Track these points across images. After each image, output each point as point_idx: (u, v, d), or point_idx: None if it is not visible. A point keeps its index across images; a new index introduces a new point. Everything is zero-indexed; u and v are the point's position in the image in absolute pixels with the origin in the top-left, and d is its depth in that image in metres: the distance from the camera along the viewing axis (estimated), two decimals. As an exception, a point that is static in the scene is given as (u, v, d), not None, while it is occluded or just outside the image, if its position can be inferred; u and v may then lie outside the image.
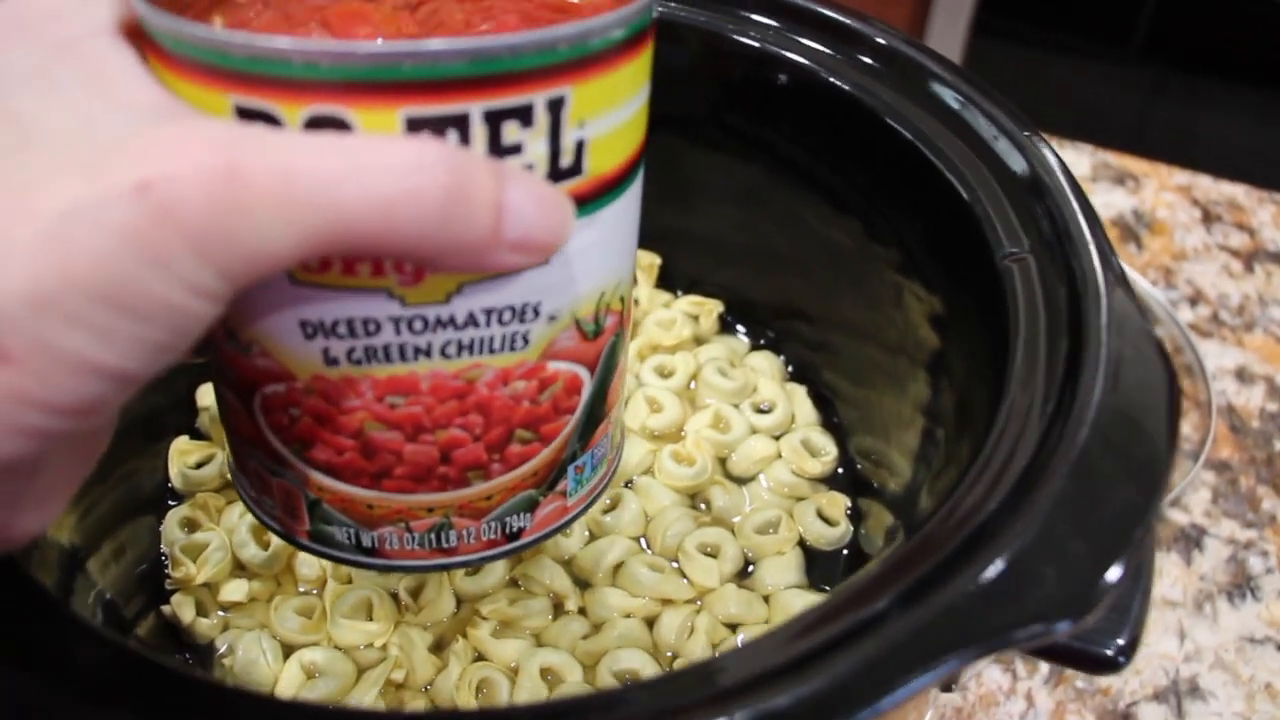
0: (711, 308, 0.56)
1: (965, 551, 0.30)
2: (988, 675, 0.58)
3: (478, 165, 0.23)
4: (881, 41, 0.44)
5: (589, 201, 0.27)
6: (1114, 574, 0.30)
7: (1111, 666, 0.32)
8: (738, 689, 0.27)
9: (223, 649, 0.45)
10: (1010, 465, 0.32)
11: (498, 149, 0.24)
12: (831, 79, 0.44)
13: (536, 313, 0.28)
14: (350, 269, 0.26)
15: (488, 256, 0.23)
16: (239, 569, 0.47)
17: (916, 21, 1.46)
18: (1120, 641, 0.32)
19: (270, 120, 0.23)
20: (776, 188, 0.49)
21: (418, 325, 0.27)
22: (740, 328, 0.58)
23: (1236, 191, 0.86)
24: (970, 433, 0.39)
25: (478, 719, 0.28)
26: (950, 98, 0.42)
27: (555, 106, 0.24)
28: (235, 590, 0.46)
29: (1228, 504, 0.66)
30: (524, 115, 0.24)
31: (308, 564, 0.46)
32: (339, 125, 0.23)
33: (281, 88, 0.22)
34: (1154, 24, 1.40)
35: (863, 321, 0.48)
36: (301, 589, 0.47)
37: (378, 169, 0.21)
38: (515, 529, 0.33)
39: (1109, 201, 0.84)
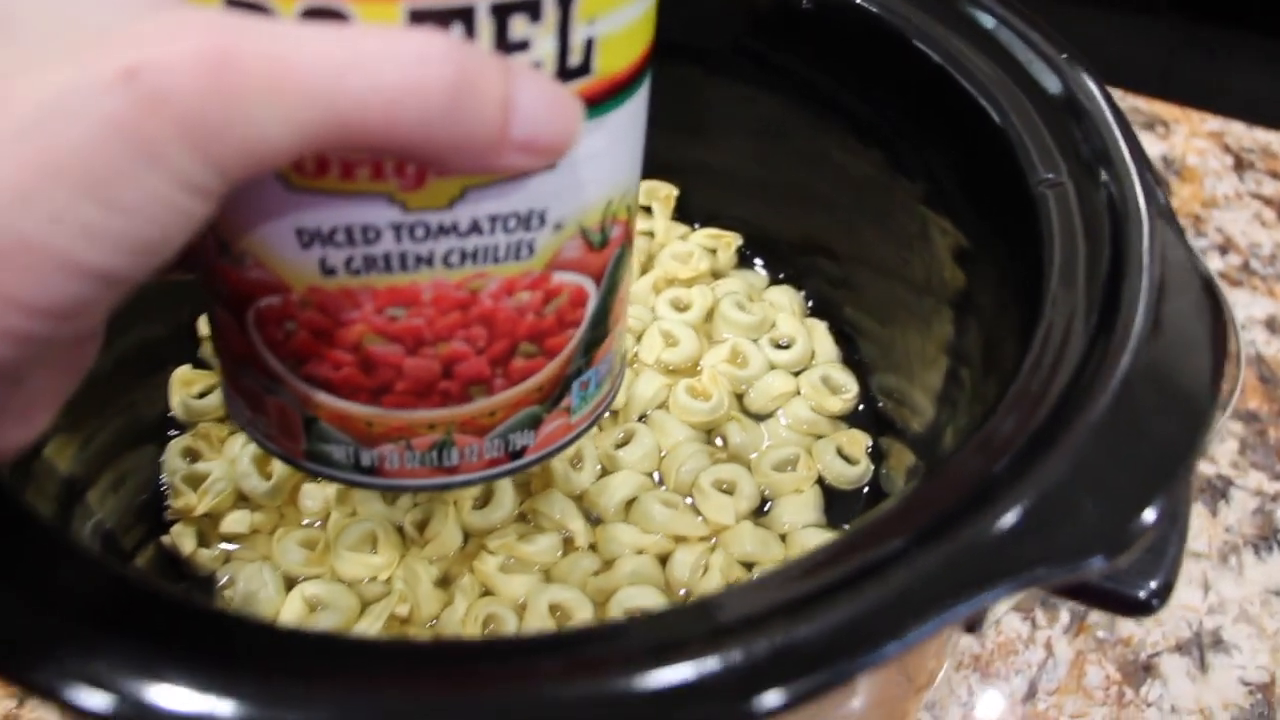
0: (730, 241, 0.54)
1: (996, 483, 0.28)
2: (1006, 623, 0.57)
3: (485, 60, 0.21)
4: (909, -41, 0.42)
5: (598, 104, 0.25)
6: (1152, 512, 0.28)
7: (1144, 609, 0.30)
8: (741, 624, 0.25)
9: (224, 581, 0.44)
10: (1048, 392, 0.31)
11: (504, 45, 0.23)
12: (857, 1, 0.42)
13: (542, 220, 0.26)
14: (349, 172, 0.24)
15: (494, 157, 0.22)
16: (241, 500, 0.46)
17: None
18: (1154, 584, 0.30)
19: (263, 11, 0.21)
20: (798, 118, 0.47)
21: (419, 232, 0.25)
22: (760, 262, 0.56)
23: (1271, 139, 0.83)
24: (997, 373, 0.37)
25: (469, 650, 0.27)
26: (983, 18, 0.40)
27: (565, 1, 0.23)
28: (237, 521, 0.45)
29: (1255, 455, 0.64)
30: (532, 9, 0.23)
31: (311, 495, 0.45)
32: (336, 17, 0.21)
33: None
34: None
35: (887, 257, 0.47)
36: (305, 521, 0.45)
37: (381, 59, 0.20)
38: (519, 447, 0.32)
39: (1138, 147, 0.82)
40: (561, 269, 0.28)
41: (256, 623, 0.28)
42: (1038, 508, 0.28)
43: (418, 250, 0.26)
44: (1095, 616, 0.58)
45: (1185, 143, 0.82)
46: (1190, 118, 0.84)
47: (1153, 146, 0.82)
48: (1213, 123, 0.84)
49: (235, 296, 0.27)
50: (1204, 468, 0.63)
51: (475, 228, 0.26)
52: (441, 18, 0.22)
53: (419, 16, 0.22)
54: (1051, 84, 0.39)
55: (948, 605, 0.26)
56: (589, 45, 0.24)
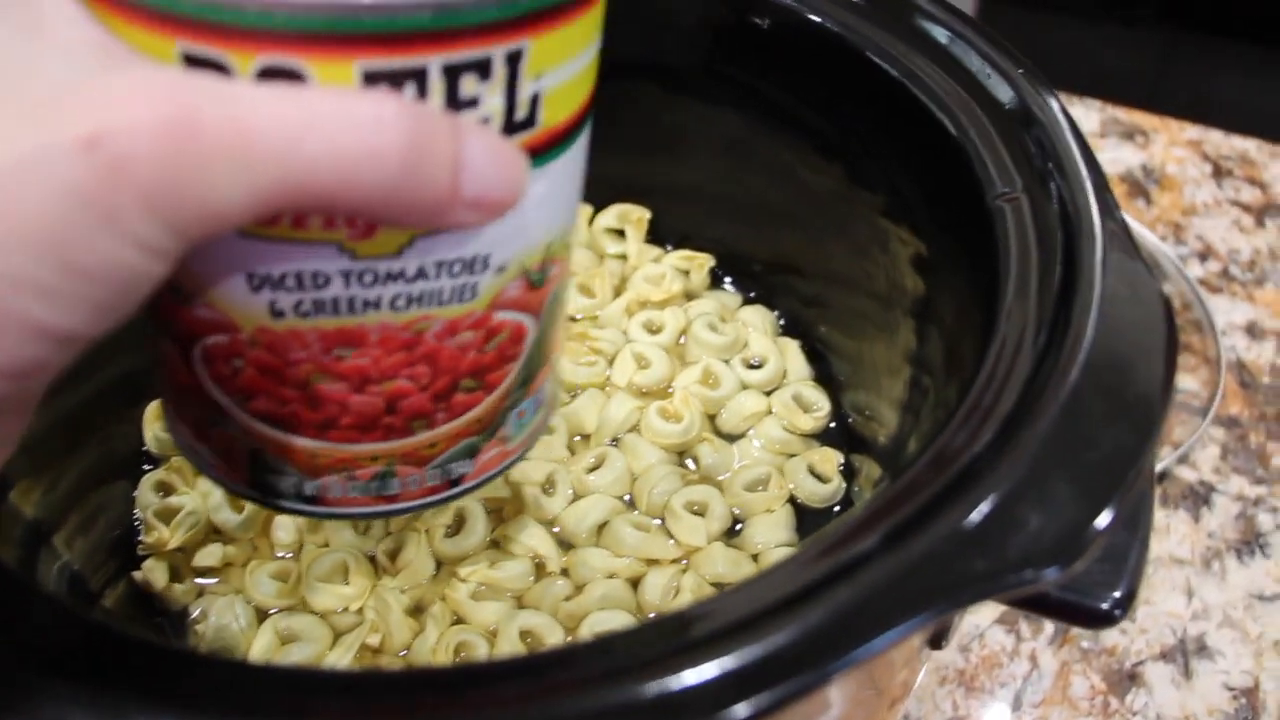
0: (702, 262, 0.54)
1: (946, 497, 0.28)
2: (990, 636, 0.57)
3: (437, 122, 0.22)
4: (865, -25, 0.43)
5: (541, 154, 0.26)
6: (1104, 519, 0.28)
7: (1106, 620, 0.30)
8: (705, 641, 0.25)
9: (196, 615, 0.44)
10: (998, 405, 0.31)
11: (455, 103, 0.24)
12: (812, 16, 0.42)
13: (486, 264, 0.27)
14: (300, 222, 0.24)
15: (444, 215, 0.23)
16: (214, 533, 0.46)
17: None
18: (1116, 594, 0.30)
19: (220, 69, 0.22)
20: (762, 136, 0.48)
21: (368, 278, 0.26)
22: (732, 282, 0.56)
23: (1249, 146, 0.83)
24: (958, 379, 0.37)
25: (435, 677, 0.27)
26: (939, 33, 0.41)
27: (513, 59, 0.24)
28: (209, 555, 0.44)
29: (1237, 460, 0.64)
30: (482, 68, 0.23)
31: (283, 527, 0.45)
32: (292, 77, 0.22)
33: (234, 35, 0.21)
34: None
35: (852, 271, 0.47)
36: (278, 553, 0.45)
37: (336, 124, 0.20)
38: (457, 475, 0.32)
39: (1117, 157, 0.82)
40: (503, 308, 0.29)
41: (224, 661, 0.28)
42: (986, 521, 0.28)
43: (366, 295, 0.26)
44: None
45: (1164, 151, 0.83)
46: (1169, 126, 0.85)
47: (1132, 156, 0.82)
48: (1191, 131, 0.84)
49: (182, 333, 0.27)
50: (1185, 474, 0.63)
51: (422, 274, 0.26)
52: (395, 78, 0.22)
53: (373, 77, 0.22)
54: (1007, 97, 0.40)
55: (894, 623, 0.26)
56: (534, 100, 0.25)
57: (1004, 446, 0.29)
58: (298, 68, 0.22)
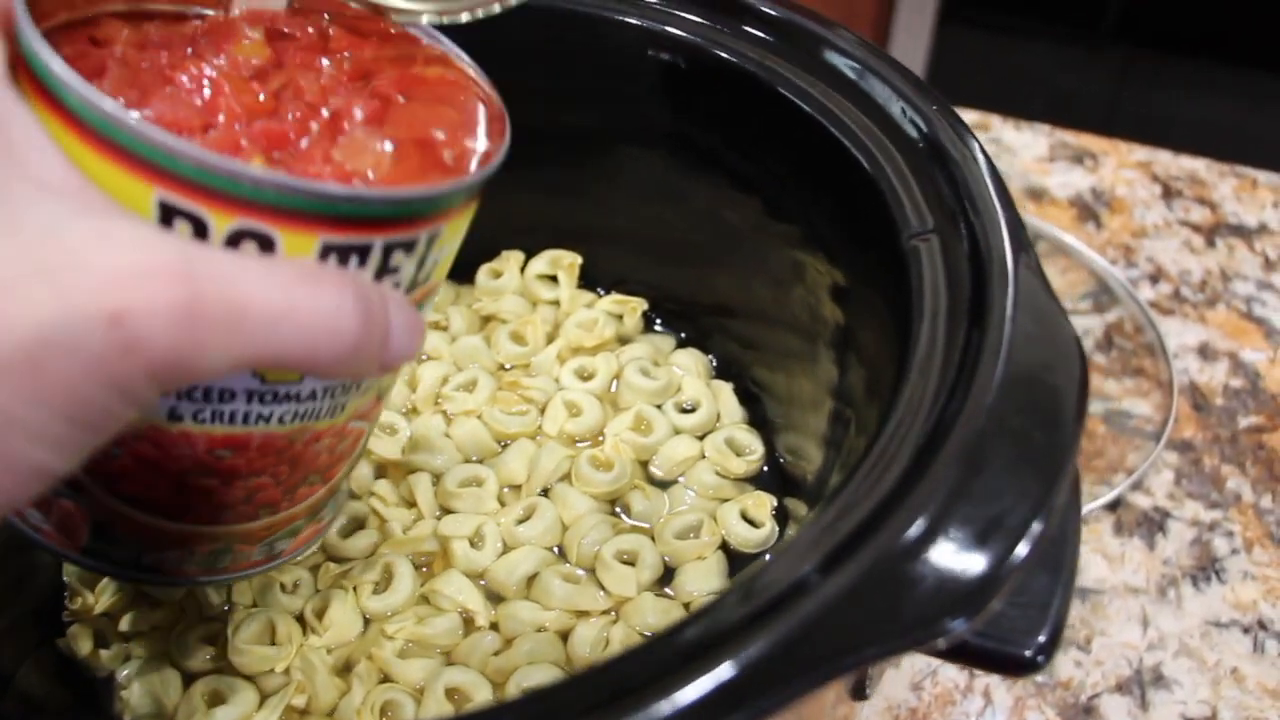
0: (635, 306, 0.54)
1: (842, 554, 0.28)
2: (943, 673, 0.56)
3: (377, 303, 0.26)
4: (770, 11, 0.42)
5: (421, 302, 0.31)
6: (1008, 566, 0.28)
7: (1030, 667, 0.30)
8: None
9: (122, 679, 0.43)
10: (900, 452, 0.30)
11: (384, 271, 0.28)
12: (719, 53, 0.42)
13: (358, 388, 0.31)
14: None
15: (367, 370, 0.26)
16: (140, 596, 0.45)
17: (883, 9, 1.44)
18: (1040, 639, 0.30)
19: (196, 224, 0.24)
20: (686, 177, 0.48)
21: (268, 398, 0.29)
22: (666, 324, 0.56)
23: (1198, 165, 0.83)
24: (876, 410, 0.37)
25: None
26: (845, 66, 0.40)
27: (432, 238, 0.28)
28: (136, 620, 0.44)
29: (1191, 485, 0.64)
30: (410, 245, 0.28)
31: (213, 590, 0.44)
32: (262, 241, 0.25)
33: (219, 198, 0.24)
34: (1124, 6, 1.38)
35: (777, 307, 0.46)
36: (206, 615, 0.45)
37: (309, 311, 0.24)
38: (278, 551, 0.37)
39: (1066, 181, 0.82)
40: (356, 419, 0.33)
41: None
42: (886, 575, 0.27)
43: (262, 411, 0.29)
44: (1034, 661, 0.57)
45: (1114, 174, 0.83)
46: (1118, 148, 0.85)
47: (1082, 179, 0.82)
48: (1140, 153, 0.84)
49: None
50: (1140, 501, 0.63)
51: (313, 395, 0.30)
52: (345, 251, 0.26)
53: (329, 249, 0.26)
54: (919, 132, 0.39)
55: (782, 692, 0.25)
56: (434, 264, 0.30)
57: (905, 496, 0.29)
58: (269, 235, 0.25)
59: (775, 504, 0.47)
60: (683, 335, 0.55)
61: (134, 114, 0.24)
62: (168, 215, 0.24)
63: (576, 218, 0.53)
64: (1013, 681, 0.56)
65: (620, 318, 0.54)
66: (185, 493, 0.30)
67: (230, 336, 0.22)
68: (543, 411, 0.50)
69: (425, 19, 0.33)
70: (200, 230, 0.24)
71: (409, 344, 0.27)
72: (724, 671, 0.25)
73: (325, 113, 0.29)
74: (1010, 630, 0.30)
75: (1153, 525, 0.62)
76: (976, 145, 0.39)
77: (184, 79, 0.28)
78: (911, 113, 0.40)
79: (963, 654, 0.29)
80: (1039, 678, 0.56)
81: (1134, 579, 0.60)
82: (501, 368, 0.53)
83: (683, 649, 0.26)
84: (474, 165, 0.29)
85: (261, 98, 0.29)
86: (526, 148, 0.32)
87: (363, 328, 0.25)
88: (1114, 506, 0.62)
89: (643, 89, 0.47)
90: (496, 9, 0.33)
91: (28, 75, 0.25)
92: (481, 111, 0.31)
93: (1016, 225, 0.37)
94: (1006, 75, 1.27)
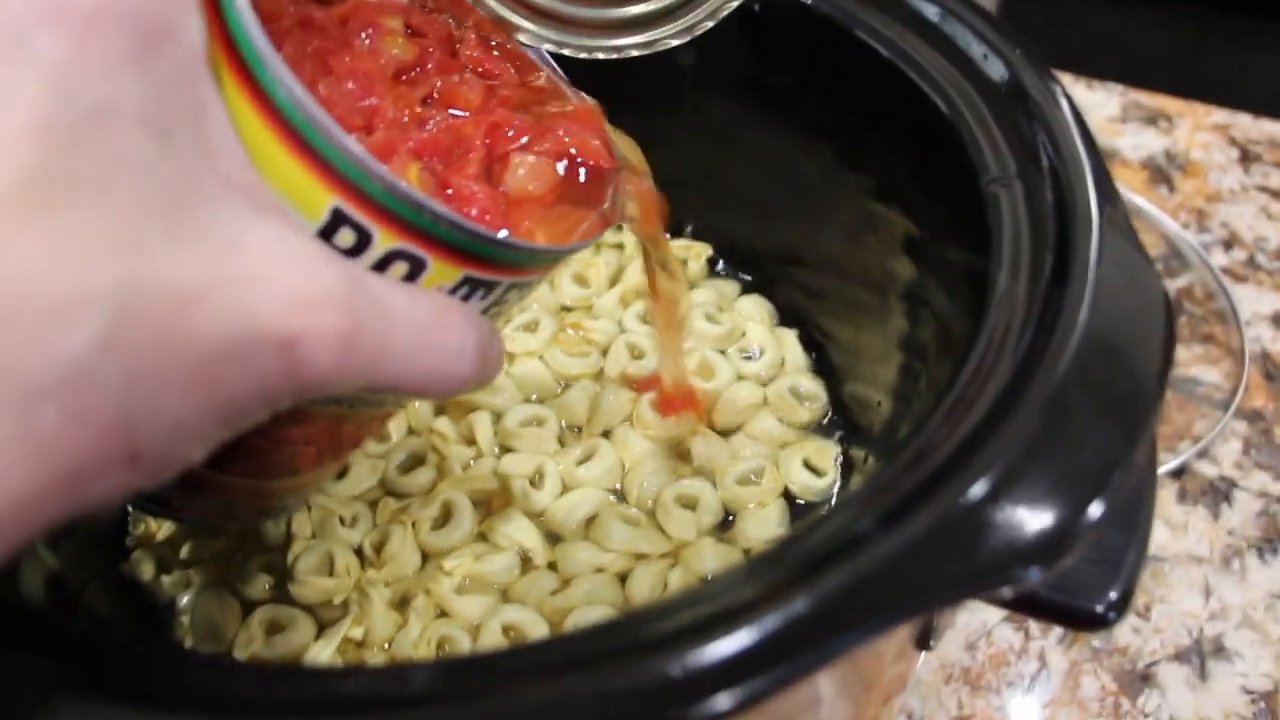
0: (700, 251, 0.53)
1: (919, 496, 0.27)
2: (998, 634, 0.55)
3: (492, 345, 0.28)
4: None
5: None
6: (1086, 520, 0.27)
7: (1100, 623, 0.29)
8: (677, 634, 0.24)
9: (182, 606, 0.43)
10: (980, 398, 0.30)
11: (496, 304, 0.29)
12: (798, -3, 0.41)
13: None
14: None
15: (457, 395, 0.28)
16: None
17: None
18: (1112, 595, 0.29)
19: (360, 234, 0.25)
20: (754, 121, 0.47)
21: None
22: (731, 271, 0.55)
23: (1278, 130, 0.81)
24: (948, 365, 0.36)
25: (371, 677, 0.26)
26: (926, 9, 0.39)
27: (526, 282, 0.30)
28: (197, 547, 0.44)
29: (1260, 455, 0.62)
30: (525, 286, 0.30)
31: (271, 523, 0.45)
32: (414, 262, 0.26)
33: (393, 221, 0.25)
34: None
35: (844, 256, 0.46)
36: (266, 544, 0.45)
37: (438, 351, 0.26)
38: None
39: (1139, 143, 0.80)
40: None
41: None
42: (960, 521, 0.27)
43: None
44: (1092, 625, 0.56)
45: (1189, 136, 0.81)
46: (1195, 111, 0.82)
47: (1155, 141, 0.80)
48: (1218, 115, 0.82)
49: None
50: (1206, 469, 0.61)
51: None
52: (477, 284, 0.28)
53: (466, 281, 0.27)
54: (1002, 77, 0.38)
55: (855, 628, 0.25)
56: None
57: (983, 443, 0.28)
58: (423, 260, 0.26)
59: (839, 453, 0.47)
60: (748, 280, 0.54)
61: (334, 124, 0.24)
62: (337, 222, 0.25)
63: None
64: (1068, 645, 0.55)
65: (685, 262, 0.54)
66: (235, 448, 0.30)
67: (372, 367, 0.24)
68: (605, 354, 0.50)
69: (547, 46, 0.35)
70: (363, 241, 0.25)
71: (496, 373, 0.29)
72: (799, 607, 0.24)
73: (480, 131, 0.30)
74: (1082, 585, 0.29)
75: (1218, 494, 0.60)
76: (1060, 90, 0.38)
77: (343, 72, 0.29)
78: (994, 56, 0.39)
79: (1033, 606, 0.29)
80: (1095, 642, 0.55)
81: (1197, 548, 0.58)
82: (564, 309, 0.52)
83: (758, 583, 0.25)
84: (600, 214, 0.32)
85: (418, 108, 0.30)
86: (600, 92, 0.31)
87: (477, 371, 0.27)
88: (1178, 474, 0.61)
89: (716, 32, 0.46)
90: (615, 55, 0.36)
91: (231, 56, 0.24)
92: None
93: (1102, 173, 0.36)
94: (1079, 34, 1.24)
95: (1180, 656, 0.54)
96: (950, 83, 0.38)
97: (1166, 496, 0.60)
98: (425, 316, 0.25)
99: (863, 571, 0.26)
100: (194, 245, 0.21)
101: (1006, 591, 0.27)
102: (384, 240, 0.25)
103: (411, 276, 0.26)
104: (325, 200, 0.25)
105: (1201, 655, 0.55)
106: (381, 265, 0.26)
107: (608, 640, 0.25)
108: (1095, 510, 0.27)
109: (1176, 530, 0.59)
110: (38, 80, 0.20)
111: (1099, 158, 0.36)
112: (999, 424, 0.29)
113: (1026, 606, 0.29)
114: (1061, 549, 0.27)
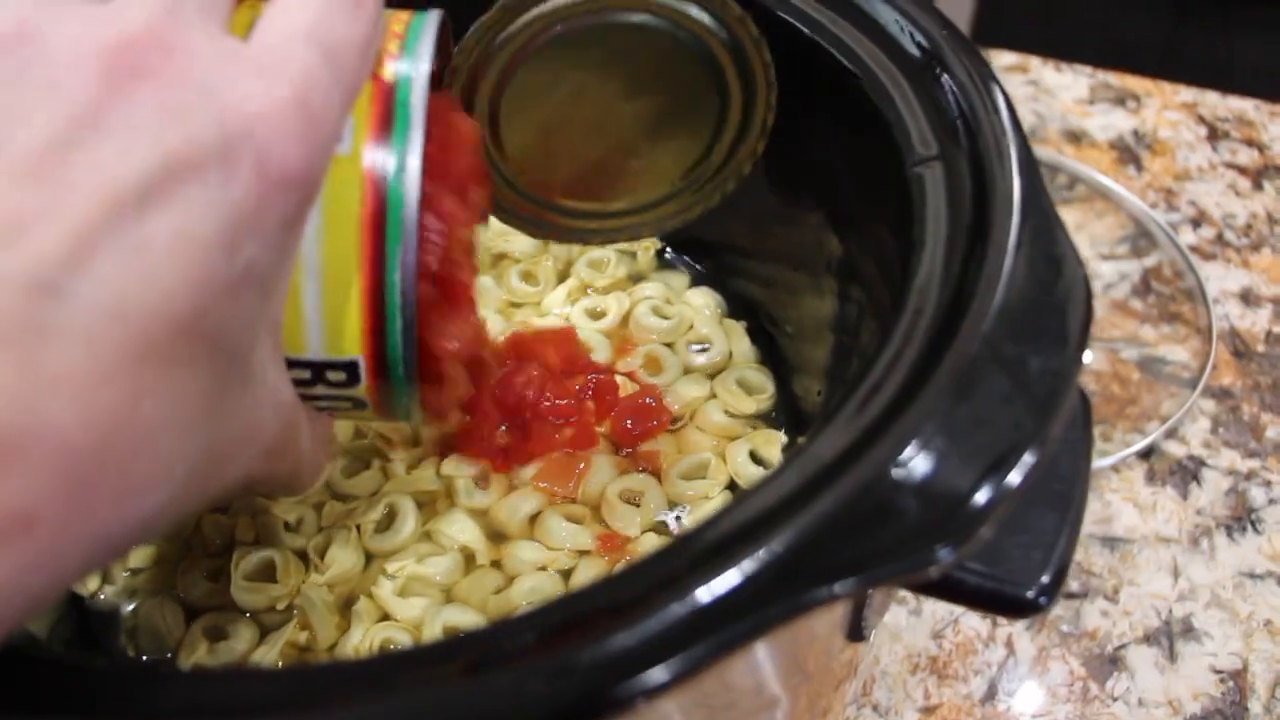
0: (649, 244, 0.53)
1: (826, 478, 0.27)
2: (965, 622, 0.55)
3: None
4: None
5: None
6: (995, 495, 0.26)
7: (1031, 608, 0.29)
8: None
9: (125, 614, 0.43)
10: (890, 377, 0.29)
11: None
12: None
13: None
14: None
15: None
16: (146, 534, 0.45)
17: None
18: (1044, 579, 0.29)
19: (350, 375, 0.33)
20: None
21: None
22: (681, 260, 0.55)
23: (1246, 106, 0.81)
24: (872, 346, 0.36)
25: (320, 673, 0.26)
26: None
27: None
28: (140, 555, 0.44)
29: (1228, 433, 0.62)
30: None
31: (215, 526, 0.44)
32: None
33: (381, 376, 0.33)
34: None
35: (782, 242, 0.45)
36: (211, 551, 0.45)
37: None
38: None
39: (1108, 123, 0.79)
40: None
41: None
42: (867, 500, 0.26)
43: None
44: (1059, 610, 0.56)
45: (1157, 116, 0.80)
46: (1163, 90, 0.82)
47: (1124, 121, 0.79)
48: (1185, 94, 0.82)
49: None
50: (1174, 449, 0.61)
51: None
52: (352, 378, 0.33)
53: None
54: (923, 52, 0.38)
55: (758, 618, 0.24)
56: None
57: (888, 425, 0.28)
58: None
59: (786, 442, 0.46)
60: (701, 270, 0.54)
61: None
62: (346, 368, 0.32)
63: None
64: (1036, 630, 0.54)
65: (634, 255, 0.53)
66: None
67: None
68: (551, 351, 0.49)
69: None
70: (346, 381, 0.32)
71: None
72: (699, 597, 0.24)
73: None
74: (1013, 570, 0.29)
75: (1186, 474, 0.60)
76: (985, 69, 0.37)
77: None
78: (918, 34, 0.38)
79: (960, 592, 0.29)
80: (1064, 627, 0.54)
81: (1165, 528, 0.58)
82: (512, 305, 0.52)
83: (657, 575, 0.25)
84: None
85: None
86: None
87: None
88: (1146, 455, 0.60)
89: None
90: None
91: (373, 190, 0.30)
92: None
93: (1025, 151, 0.35)
94: (1057, 18, 1.24)
95: (1149, 638, 0.54)
96: (875, 61, 0.38)
97: (1135, 478, 0.60)
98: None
99: (771, 556, 0.25)
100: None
101: (928, 572, 0.26)
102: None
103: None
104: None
105: (1170, 636, 0.54)
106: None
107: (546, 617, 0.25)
108: (1008, 484, 0.27)
109: (1145, 512, 0.58)
110: (219, 222, 0.23)
111: (1022, 135, 0.36)
112: (907, 404, 0.28)
113: (955, 593, 0.29)
114: (973, 526, 0.26)
